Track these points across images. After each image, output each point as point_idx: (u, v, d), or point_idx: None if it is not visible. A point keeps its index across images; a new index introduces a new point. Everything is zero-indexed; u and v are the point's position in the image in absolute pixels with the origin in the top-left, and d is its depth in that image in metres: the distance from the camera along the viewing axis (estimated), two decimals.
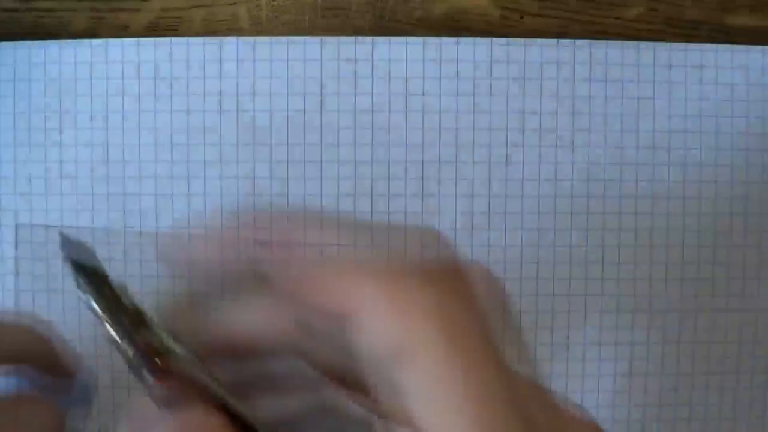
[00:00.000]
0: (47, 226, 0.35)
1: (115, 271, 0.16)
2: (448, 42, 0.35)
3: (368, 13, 0.36)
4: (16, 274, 0.35)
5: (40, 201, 0.35)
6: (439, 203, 0.35)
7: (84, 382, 0.22)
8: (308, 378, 0.16)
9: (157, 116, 0.35)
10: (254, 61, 0.35)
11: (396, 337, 0.14)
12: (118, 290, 0.16)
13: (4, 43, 0.35)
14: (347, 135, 0.35)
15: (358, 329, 0.14)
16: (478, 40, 0.35)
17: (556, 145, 0.35)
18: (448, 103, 0.35)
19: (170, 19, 0.36)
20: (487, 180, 0.35)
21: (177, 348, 0.16)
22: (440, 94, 0.35)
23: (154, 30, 0.35)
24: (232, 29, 0.36)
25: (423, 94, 0.35)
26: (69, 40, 0.35)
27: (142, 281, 0.34)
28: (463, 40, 0.35)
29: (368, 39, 0.35)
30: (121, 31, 0.35)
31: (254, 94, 0.35)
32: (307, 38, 0.35)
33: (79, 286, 0.15)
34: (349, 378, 0.15)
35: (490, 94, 0.35)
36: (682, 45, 0.36)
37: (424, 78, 0.35)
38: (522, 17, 0.36)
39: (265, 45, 0.35)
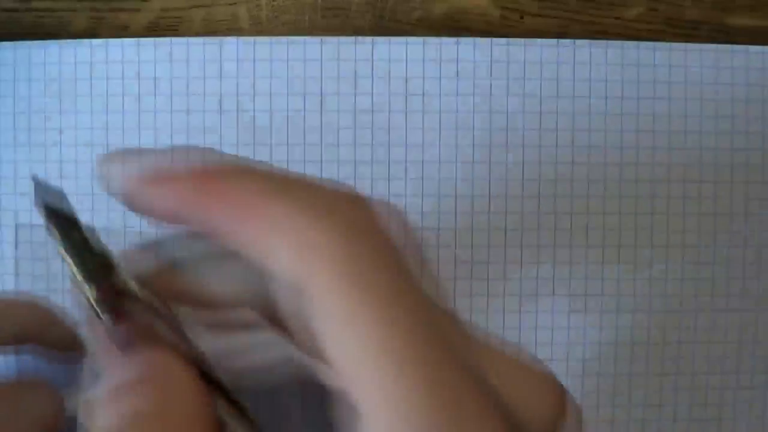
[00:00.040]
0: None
1: None
2: (448, 42, 0.35)
3: (368, 13, 0.36)
4: (16, 274, 0.35)
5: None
6: (439, 203, 0.35)
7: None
8: (270, 335, 0.15)
9: (157, 116, 0.35)
10: (254, 61, 0.35)
11: (298, 274, 0.13)
12: (87, 234, 0.16)
13: (4, 43, 0.35)
14: (347, 135, 0.35)
15: (266, 268, 0.14)
16: (478, 40, 0.35)
17: (556, 145, 0.35)
18: (448, 103, 0.35)
19: (170, 19, 0.36)
20: (487, 180, 0.35)
21: (141, 293, 0.16)
22: (440, 94, 0.35)
23: (154, 30, 0.35)
24: (232, 29, 0.36)
25: (423, 94, 0.35)
26: (69, 40, 0.35)
27: None
28: (463, 40, 0.35)
29: (368, 39, 0.35)
30: (121, 31, 0.35)
31: (254, 94, 0.35)
32: (307, 38, 0.35)
33: (48, 230, 0.16)
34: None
35: (490, 94, 0.35)
36: (682, 45, 0.36)
37: (424, 78, 0.35)
38: (522, 17, 0.36)
39: (265, 45, 0.35)
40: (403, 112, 0.35)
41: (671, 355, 0.36)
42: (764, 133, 0.36)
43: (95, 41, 0.35)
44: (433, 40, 0.35)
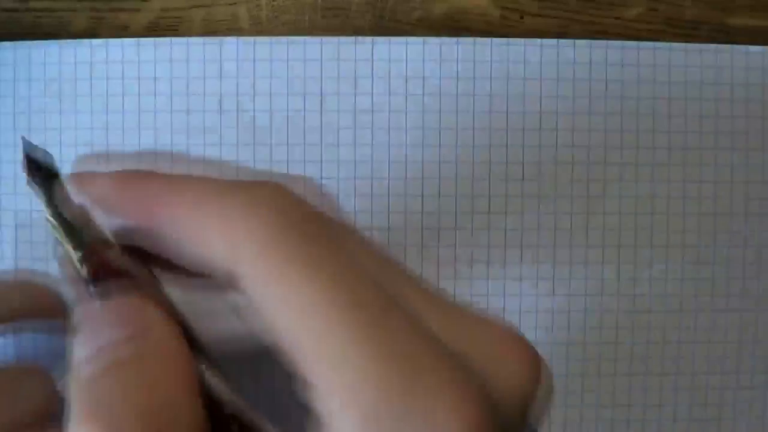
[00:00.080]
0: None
1: None
2: (448, 42, 0.35)
3: (368, 13, 0.36)
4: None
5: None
6: (440, 203, 0.35)
7: None
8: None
9: (157, 116, 0.35)
10: (254, 61, 0.35)
11: (226, 257, 0.14)
12: (69, 189, 0.17)
13: (4, 43, 0.35)
14: (347, 135, 0.35)
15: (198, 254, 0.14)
16: (478, 40, 0.35)
17: (556, 145, 0.35)
18: (448, 103, 0.35)
19: (170, 19, 0.36)
20: (488, 180, 0.35)
21: (118, 246, 0.16)
22: (440, 94, 0.35)
23: (154, 30, 0.35)
24: (232, 29, 0.36)
25: (423, 94, 0.35)
26: (69, 40, 0.35)
27: None
28: (463, 40, 0.35)
29: (368, 39, 0.35)
30: (121, 31, 0.35)
31: (254, 94, 0.35)
32: (307, 38, 0.35)
33: (30, 183, 0.17)
34: None
35: (490, 94, 0.35)
36: (682, 45, 0.36)
37: (424, 78, 0.35)
38: (522, 17, 0.36)
39: (265, 45, 0.35)
40: (403, 112, 0.35)
41: (671, 355, 0.36)
42: (764, 133, 0.36)
43: (95, 41, 0.35)
44: (433, 40, 0.35)
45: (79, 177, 0.16)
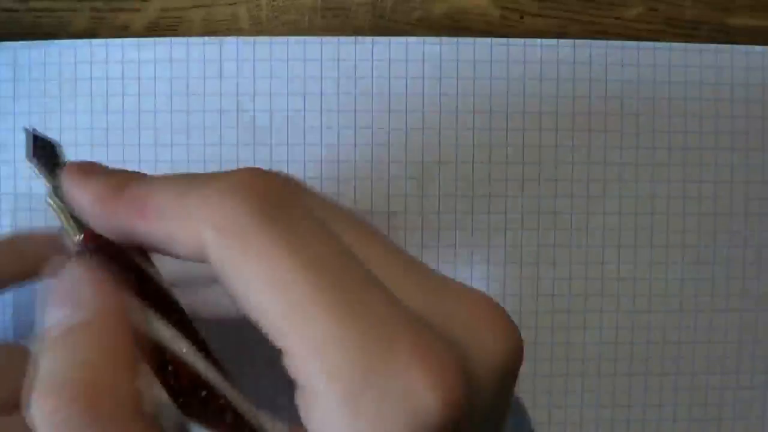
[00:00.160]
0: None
1: None
2: (448, 42, 0.35)
3: (368, 13, 0.36)
4: None
5: (40, 201, 0.35)
6: (439, 203, 0.35)
7: None
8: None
9: (157, 116, 0.35)
10: (254, 61, 0.35)
11: (196, 245, 0.14)
12: (66, 161, 0.18)
13: (4, 43, 0.35)
14: (347, 135, 0.35)
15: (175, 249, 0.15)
16: (478, 40, 0.35)
17: (556, 145, 0.35)
18: (448, 103, 0.35)
19: (170, 19, 0.36)
20: (488, 180, 0.35)
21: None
22: (440, 94, 0.35)
23: (154, 30, 0.35)
24: (232, 29, 0.36)
25: (423, 94, 0.35)
26: (69, 40, 0.35)
27: None
28: (463, 40, 0.35)
29: (368, 39, 0.35)
30: (121, 31, 0.35)
31: (254, 94, 0.35)
32: (307, 38, 0.35)
33: (28, 156, 0.17)
34: None
35: (490, 94, 0.35)
36: (682, 45, 0.36)
37: (424, 78, 0.35)
38: (522, 17, 0.36)
39: (265, 45, 0.35)
40: (403, 112, 0.35)
41: (671, 355, 0.36)
42: (764, 133, 0.36)
43: (95, 41, 0.35)
44: (433, 40, 0.35)
45: (68, 186, 0.17)
